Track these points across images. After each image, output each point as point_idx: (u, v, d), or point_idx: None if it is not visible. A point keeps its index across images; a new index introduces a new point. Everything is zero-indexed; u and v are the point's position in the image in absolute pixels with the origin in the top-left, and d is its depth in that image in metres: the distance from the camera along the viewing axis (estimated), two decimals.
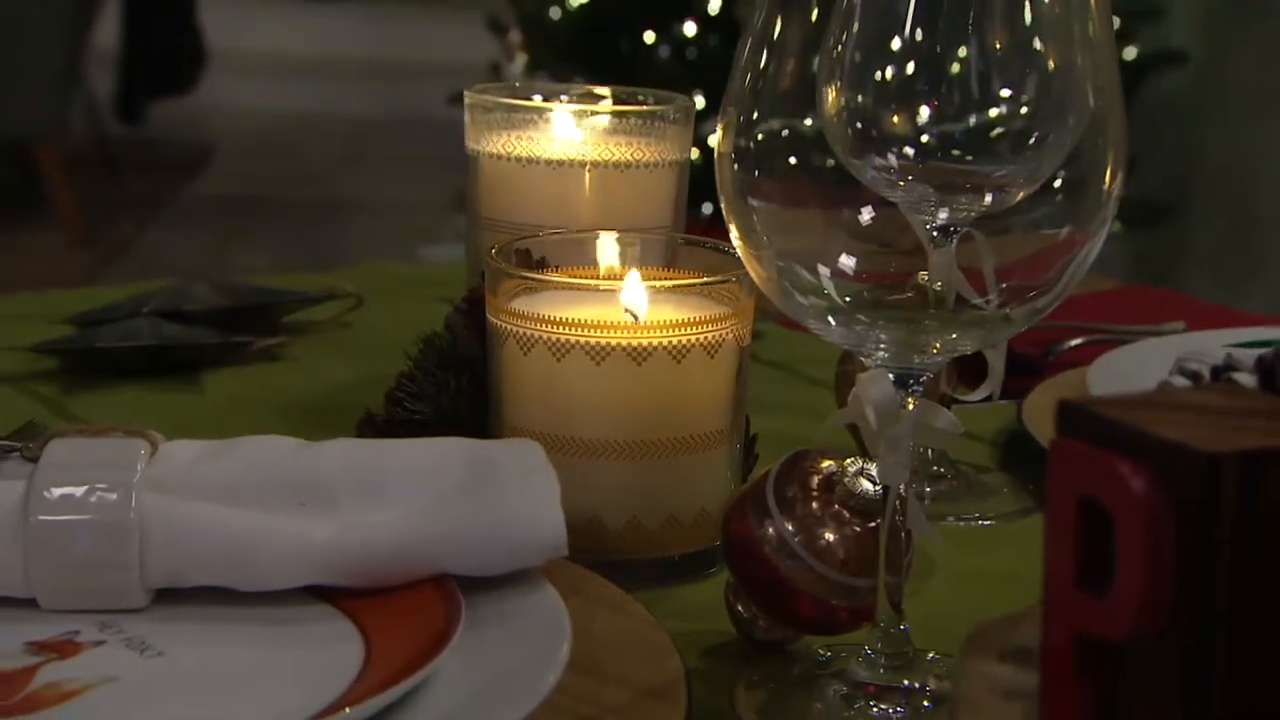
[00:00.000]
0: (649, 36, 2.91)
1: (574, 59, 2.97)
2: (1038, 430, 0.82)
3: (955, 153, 0.58)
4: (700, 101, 2.88)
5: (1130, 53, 3.03)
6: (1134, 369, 0.84)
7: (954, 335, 0.58)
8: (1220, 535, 0.40)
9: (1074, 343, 1.02)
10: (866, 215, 0.59)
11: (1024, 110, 0.57)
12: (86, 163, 4.59)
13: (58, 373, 0.90)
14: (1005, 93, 0.57)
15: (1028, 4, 0.57)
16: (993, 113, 0.57)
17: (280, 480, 0.59)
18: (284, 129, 5.59)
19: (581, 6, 2.95)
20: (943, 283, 0.60)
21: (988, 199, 0.59)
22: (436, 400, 0.73)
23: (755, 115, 0.57)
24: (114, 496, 0.56)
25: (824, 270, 0.58)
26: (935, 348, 0.58)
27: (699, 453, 0.69)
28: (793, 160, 0.59)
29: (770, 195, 0.59)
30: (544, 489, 0.60)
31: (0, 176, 4.47)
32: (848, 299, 0.58)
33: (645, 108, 0.82)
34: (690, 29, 2.89)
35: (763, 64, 0.56)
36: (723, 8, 2.88)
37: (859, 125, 0.57)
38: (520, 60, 3.08)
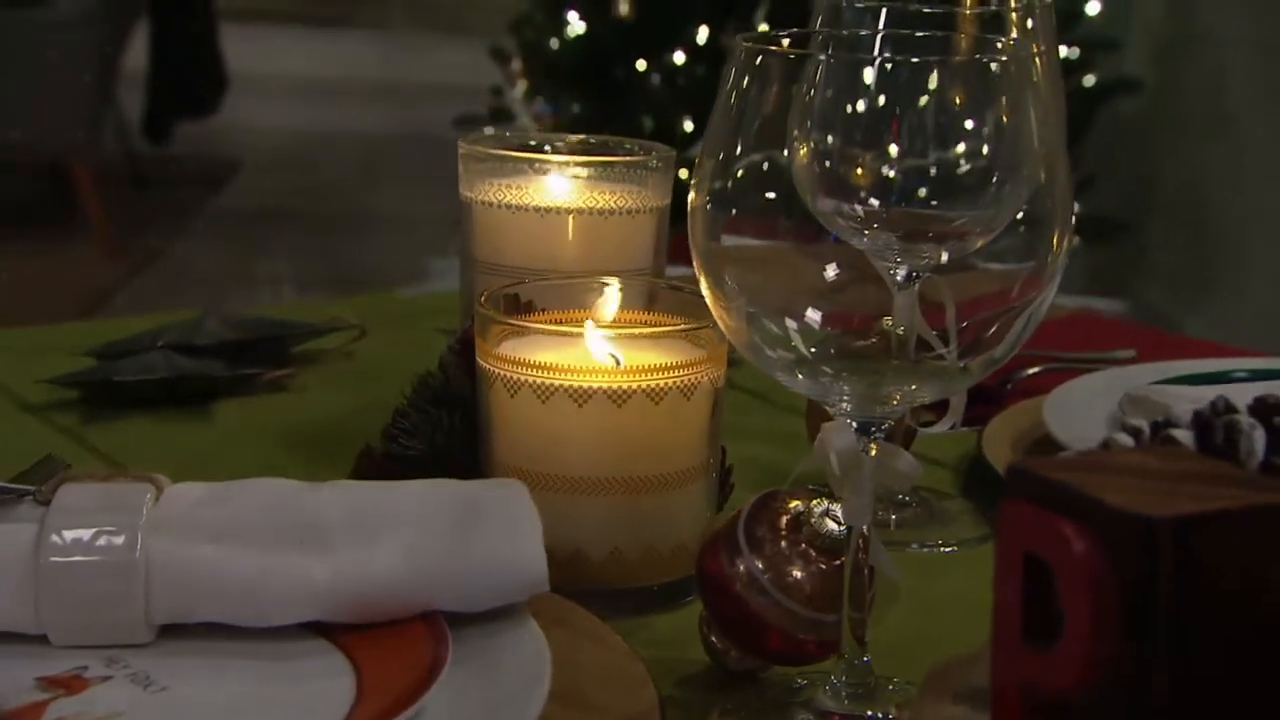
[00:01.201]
0: (641, 65, 2.90)
1: (571, 86, 2.96)
2: (996, 459, 0.81)
3: (917, 202, 0.58)
4: (689, 125, 2.88)
5: (1089, 80, 3.03)
6: (1086, 402, 0.84)
7: (913, 386, 0.57)
8: (1159, 594, 0.40)
9: (1031, 371, 1.01)
10: (832, 269, 0.58)
11: (981, 162, 0.57)
12: (117, 179, 4.58)
13: (77, 403, 0.89)
14: (962, 146, 0.57)
15: (984, 63, 0.56)
16: (951, 164, 0.57)
17: (280, 521, 0.58)
18: (303, 147, 5.58)
19: (578, 37, 2.95)
20: (905, 327, 0.59)
21: (948, 246, 0.59)
22: (430, 437, 0.72)
23: (729, 162, 0.57)
24: (120, 540, 0.55)
25: (791, 324, 0.57)
26: (895, 399, 0.57)
27: (676, 487, 0.68)
28: (765, 204, 0.58)
29: (743, 235, 0.58)
30: (527, 529, 0.59)
31: (35, 192, 4.46)
32: (813, 349, 0.57)
33: (627, 158, 0.82)
34: (680, 58, 2.89)
35: (736, 119, 0.56)
36: (710, 38, 2.87)
37: (826, 175, 0.57)
38: (521, 86, 3.08)
